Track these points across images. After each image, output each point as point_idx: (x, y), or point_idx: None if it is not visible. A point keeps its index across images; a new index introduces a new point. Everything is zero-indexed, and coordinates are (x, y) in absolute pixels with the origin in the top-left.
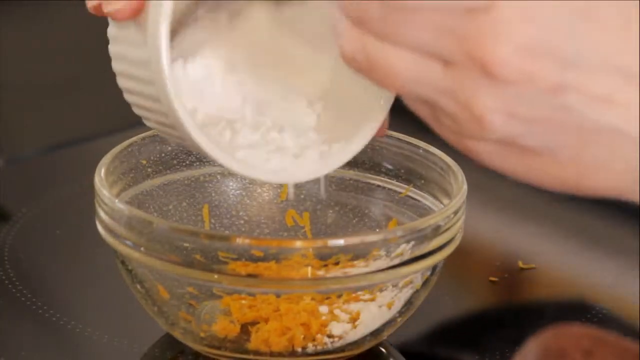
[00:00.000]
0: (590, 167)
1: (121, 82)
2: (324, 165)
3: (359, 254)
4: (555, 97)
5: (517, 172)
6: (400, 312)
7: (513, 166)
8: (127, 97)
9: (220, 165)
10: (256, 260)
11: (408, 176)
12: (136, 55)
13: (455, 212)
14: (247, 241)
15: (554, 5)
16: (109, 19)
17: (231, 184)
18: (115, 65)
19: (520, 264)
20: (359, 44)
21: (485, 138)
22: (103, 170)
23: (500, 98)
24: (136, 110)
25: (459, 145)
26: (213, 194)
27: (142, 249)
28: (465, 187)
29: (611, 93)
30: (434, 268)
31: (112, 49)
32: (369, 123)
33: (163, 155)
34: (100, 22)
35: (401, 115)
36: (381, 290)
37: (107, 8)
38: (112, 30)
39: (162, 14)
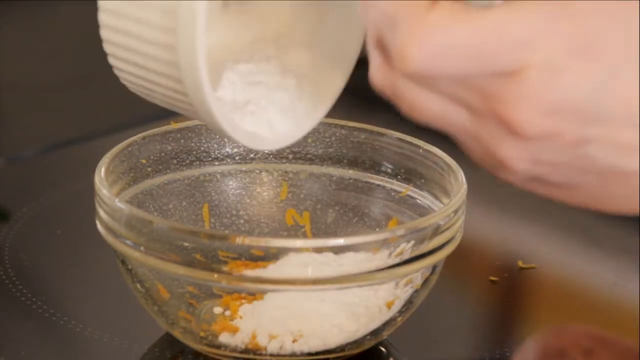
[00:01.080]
0: (611, 197)
1: (111, 35)
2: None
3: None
4: (577, 148)
5: (544, 195)
6: (400, 312)
7: (540, 192)
8: (115, 51)
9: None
10: (256, 260)
11: (408, 175)
12: (149, 15)
13: (455, 212)
14: (247, 241)
15: (584, 68)
16: None
17: (231, 183)
18: (107, 19)
19: (520, 264)
20: (388, 80)
21: (510, 177)
22: (103, 170)
23: (522, 149)
24: (119, 64)
25: (486, 169)
26: (213, 194)
27: (142, 248)
28: (465, 186)
29: (634, 143)
30: (434, 267)
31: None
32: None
33: (163, 154)
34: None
35: (401, 115)
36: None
37: None
38: None
39: None
